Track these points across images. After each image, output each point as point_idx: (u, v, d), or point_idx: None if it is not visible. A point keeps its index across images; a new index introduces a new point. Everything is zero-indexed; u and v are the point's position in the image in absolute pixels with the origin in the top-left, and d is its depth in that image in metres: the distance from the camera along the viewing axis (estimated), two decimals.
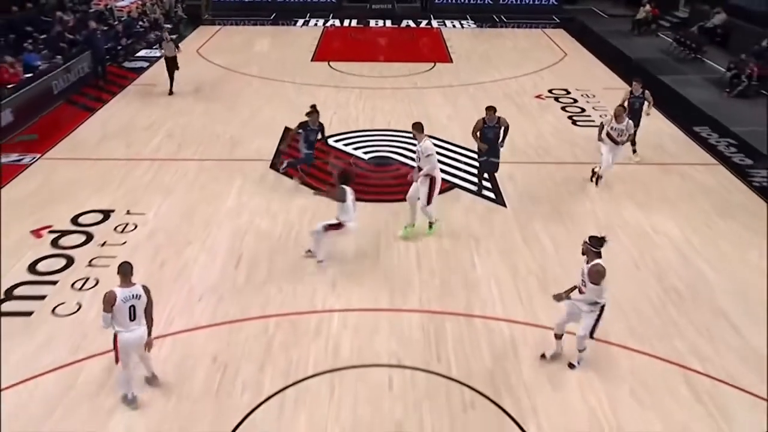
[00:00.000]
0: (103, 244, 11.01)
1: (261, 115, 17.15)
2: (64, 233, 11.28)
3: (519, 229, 11.61)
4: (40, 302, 9.51)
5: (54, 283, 9.97)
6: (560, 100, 18.70)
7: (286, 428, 7.45)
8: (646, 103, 14.09)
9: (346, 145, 15.39)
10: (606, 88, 19.60)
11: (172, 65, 18.89)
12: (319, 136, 13.29)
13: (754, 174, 13.90)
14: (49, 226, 11.46)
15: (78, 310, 9.36)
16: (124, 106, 17.99)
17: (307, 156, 13.17)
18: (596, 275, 7.70)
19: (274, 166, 13.99)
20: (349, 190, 10.22)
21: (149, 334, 7.38)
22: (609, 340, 8.81)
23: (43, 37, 20.76)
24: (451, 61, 23.17)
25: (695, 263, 10.69)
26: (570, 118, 17.32)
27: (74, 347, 8.60)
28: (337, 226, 10.25)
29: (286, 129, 13.51)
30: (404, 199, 11.56)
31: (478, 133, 12.51)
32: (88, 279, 10.06)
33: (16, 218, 11.55)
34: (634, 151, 14.33)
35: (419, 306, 9.54)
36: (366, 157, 14.81)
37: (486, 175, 13.18)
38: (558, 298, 8.13)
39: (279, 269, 10.39)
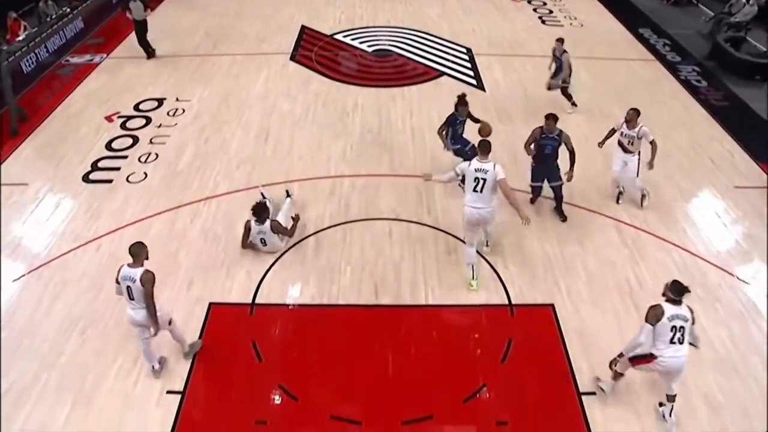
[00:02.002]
0: (159, 126, 10.92)
1: (281, 16, 16.34)
2: (130, 117, 11.16)
3: (495, 110, 11.44)
4: (117, 172, 9.59)
5: (125, 157, 10.00)
6: (532, 2, 17.75)
7: (309, 266, 7.72)
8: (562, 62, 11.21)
9: (352, 39, 14.85)
10: None
11: (141, 30, 13.48)
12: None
13: (682, 69, 13.53)
14: (118, 113, 11.33)
15: (145, 178, 9.45)
16: (169, 10, 17.05)
17: (456, 151, 9.18)
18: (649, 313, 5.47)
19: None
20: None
21: (154, 320, 5.89)
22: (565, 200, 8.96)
23: None
24: None
25: None
26: (540, 18, 16.55)
27: (145, 206, 8.77)
28: None
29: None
30: (400, 85, 11.07)
31: (532, 145, 8.42)
32: (150, 153, 10.07)
33: (94, 106, 11.39)
34: (573, 104, 11.50)
35: (413, 171, 9.59)
36: (369, 49, 14.34)
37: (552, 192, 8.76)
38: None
39: (299, 142, 10.33)
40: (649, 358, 5.53)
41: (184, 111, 11.41)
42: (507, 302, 7.21)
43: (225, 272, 7.56)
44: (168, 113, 11.35)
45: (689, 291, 5.45)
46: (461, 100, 8.95)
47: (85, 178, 9.47)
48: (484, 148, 6.97)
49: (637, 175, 8.68)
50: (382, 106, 11.57)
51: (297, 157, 9.93)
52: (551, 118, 8.15)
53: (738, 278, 7.65)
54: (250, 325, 6.93)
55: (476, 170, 6.84)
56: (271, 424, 5.87)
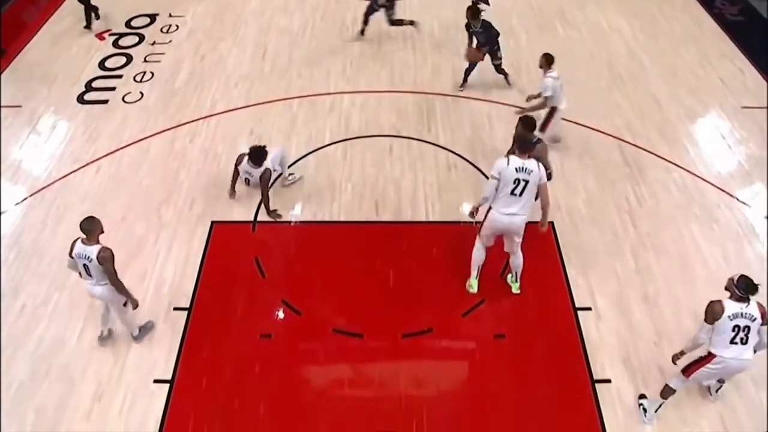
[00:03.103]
0: (153, 43, 10.57)
1: None
2: (122, 35, 10.78)
3: (499, 23, 10.78)
4: (113, 92, 9.38)
5: (120, 77, 9.75)
6: None
7: (310, 185, 7.72)
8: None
9: None
10: None
11: None
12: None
13: None
14: (109, 30, 10.93)
15: (141, 97, 9.26)
16: None
17: (471, 66, 9.14)
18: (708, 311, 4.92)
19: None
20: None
21: (126, 294, 5.54)
22: (565, 116, 8.76)
23: None
24: None
25: (638, 55, 10.30)
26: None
27: (143, 126, 8.66)
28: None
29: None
30: None
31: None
32: (145, 72, 9.82)
33: (83, 23, 10.89)
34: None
35: (414, 88, 9.42)
36: None
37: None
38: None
39: (297, 58, 10.06)
40: (706, 358, 4.97)
41: (177, 27, 11.02)
42: None
43: (226, 190, 7.56)
44: (161, 30, 10.96)
45: (757, 290, 4.78)
46: (471, 11, 8.72)
47: (80, 99, 9.29)
48: (525, 145, 5.83)
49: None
50: (381, 19, 11.16)
51: (296, 74, 9.70)
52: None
53: (738, 199, 7.66)
54: (253, 242, 7.02)
55: (517, 169, 5.66)
56: (275, 337, 6.07)
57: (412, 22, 10.35)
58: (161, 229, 7.13)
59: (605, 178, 7.87)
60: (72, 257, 5.35)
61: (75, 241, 5.31)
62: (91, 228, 5.25)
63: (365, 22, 10.38)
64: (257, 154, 6.89)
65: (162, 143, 8.36)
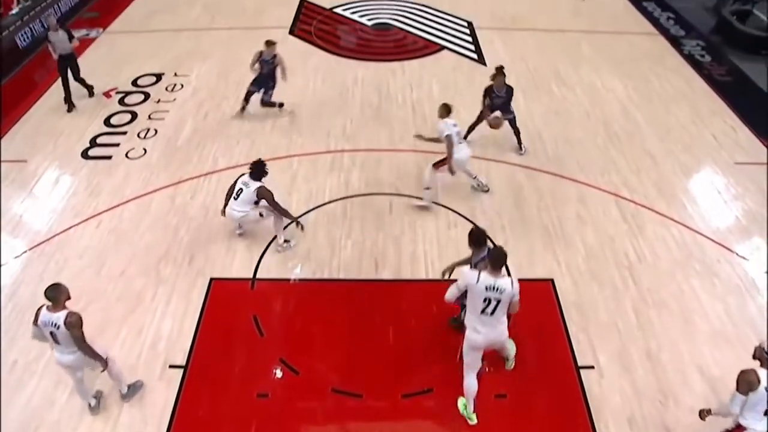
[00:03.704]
0: (158, 101, 10.84)
1: None
2: (128, 93, 11.07)
3: None
4: (116, 148, 9.55)
5: (124, 133, 9.95)
6: None
7: (309, 241, 7.74)
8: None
9: (352, 13, 14.66)
10: None
11: (67, 66, 10.42)
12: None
13: (685, 43, 13.37)
14: (116, 88, 11.22)
15: (144, 154, 9.41)
16: None
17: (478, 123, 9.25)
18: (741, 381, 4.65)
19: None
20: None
21: (96, 359, 5.35)
22: (562, 174, 8.95)
23: None
24: None
25: (633, 114, 10.57)
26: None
27: (145, 182, 8.77)
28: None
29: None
30: (400, 59, 10.88)
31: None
32: (149, 129, 10.02)
33: (91, 82, 11.15)
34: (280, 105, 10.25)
35: (413, 146, 9.57)
36: (369, 23, 14.17)
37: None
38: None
39: (299, 118, 10.28)
40: (736, 430, 4.72)
41: (182, 86, 11.33)
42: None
43: (226, 247, 7.59)
44: (166, 88, 11.26)
45: None
46: (498, 72, 8.78)
47: (84, 155, 9.44)
48: (498, 261, 5.24)
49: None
50: (382, 80, 11.49)
51: (297, 132, 9.89)
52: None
53: (737, 254, 7.68)
54: (251, 300, 6.97)
55: (488, 288, 5.13)
56: (272, 396, 5.95)
57: (281, 105, 10.32)
58: (160, 285, 7.10)
59: (604, 234, 7.91)
60: (37, 325, 5.11)
61: (40, 309, 5.10)
62: (56, 295, 5.04)
63: (246, 100, 10.29)
64: (257, 169, 7.15)
65: (163, 199, 8.44)
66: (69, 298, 5.16)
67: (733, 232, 8.06)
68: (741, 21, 13.71)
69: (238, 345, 6.44)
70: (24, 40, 12.54)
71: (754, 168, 9.29)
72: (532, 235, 7.88)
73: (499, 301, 5.15)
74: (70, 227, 7.98)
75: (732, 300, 7.03)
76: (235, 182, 7.33)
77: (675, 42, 13.47)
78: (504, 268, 5.24)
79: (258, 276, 7.24)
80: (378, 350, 6.39)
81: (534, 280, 7.21)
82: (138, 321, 6.62)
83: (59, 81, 10.66)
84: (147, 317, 6.69)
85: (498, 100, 8.89)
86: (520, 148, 9.38)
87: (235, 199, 7.24)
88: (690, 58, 12.71)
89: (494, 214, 8.20)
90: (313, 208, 8.28)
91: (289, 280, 7.24)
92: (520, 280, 6.98)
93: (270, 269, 7.34)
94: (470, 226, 7.89)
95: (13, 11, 13.04)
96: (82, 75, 10.75)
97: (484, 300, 5.15)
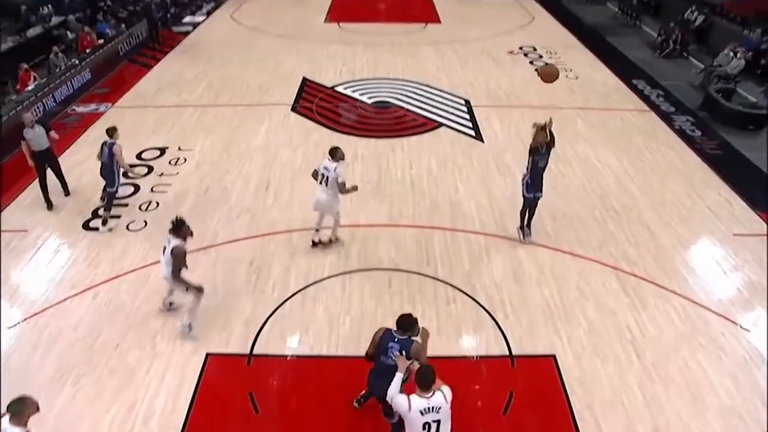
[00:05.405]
0: (161, 175, 11.06)
1: (283, 67, 16.84)
2: (132, 166, 11.25)
3: (493, 160, 11.63)
4: (117, 220, 9.64)
5: (126, 205, 10.07)
6: (528, 55, 18.30)
7: (308, 317, 7.66)
8: None
9: (353, 91, 15.19)
10: (565, 46, 19.26)
11: (46, 162, 9.87)
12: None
13: (675, 119, 13.81)
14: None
15: (145, 226, 9.51)
16: (174, 62, 17.64)
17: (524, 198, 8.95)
18: None
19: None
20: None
21: None
22: (561, 248, 8.99)
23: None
24: (439, 22, 22.49)
25: (629, 188, 10.77)
26: (536, 70, 16.94)
27: (144, 254, 8.79)
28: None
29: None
30: (400, 136, 11.14)
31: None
32: (151, 202, 10.17)
33: (97, 154, 11.47)
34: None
35: (413, 222, 9.67)
36: (369, 101, 14.64)
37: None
38: None
39: (300, 192, 10.41)
40: None
41: (185, 160, 11.58)
42: (508, 353, 7.13)
43: (223, 322, 7.51)
44: (170, 162, 11.51)
45: None
46: (542, 128, 8.42)
47: (86, 226, 9.53)
48: (425, 381, 4.76)
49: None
50: (381, 156, 11.74)
51: (297, 207, 10.00)
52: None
53: (741, 326, 7.60)
54: (248, 376, 6.84)
55: (423, 412, 4.70)
56: None
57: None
58: (155, 359, 6.99)
59: (605, 308, 7.85)
60: None
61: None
62: (20, 410, 4.61)
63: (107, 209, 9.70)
64: (178, 224, 6.87)
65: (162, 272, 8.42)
66: (38, 410, 4.73)
67: (735, 304, 8.01)
68: (726, 98, 14.22)
69: (233, 422, 6.26)
70: (36, 114, 12.87)
71: (752, 239, 9.36)
72: (533, 309, 7.82)
73: (438, 422, 4.74)
74: (66, 298, 7.94)
75: (740, 374, 6.90)
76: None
77: (666, 117, 13.90)
78: (433, 381, 4.79)
79: (255, 351, 7.13)
80: (377, 429, 6.18)
81: (535, 356, 7.09)
82: (130, 396, 6.46)
83: (65, 154, 10.76)
84: (140, 392, 6.53)
85: (543, 161, 8.58)
86: (530, 233, 9.15)
87: (163, 254, 7.04)
88: (681, 133, 13.09)
89: (494, 288, 8.17)
90: (312, 283, 8.25)
91: (286, 356, 7.12)
92: (521, 357, 7.03)
93: (267, 345, 7.24)
94: (469, 301, 7.91)
95: (29, 88, 13.58)
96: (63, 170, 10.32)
97: (424, 426, 4.72)
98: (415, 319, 5.52)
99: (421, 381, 4.76)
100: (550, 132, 8.47)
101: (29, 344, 7.19)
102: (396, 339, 5.44)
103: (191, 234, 7.08)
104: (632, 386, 6.72)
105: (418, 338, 5.47)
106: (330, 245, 8.81)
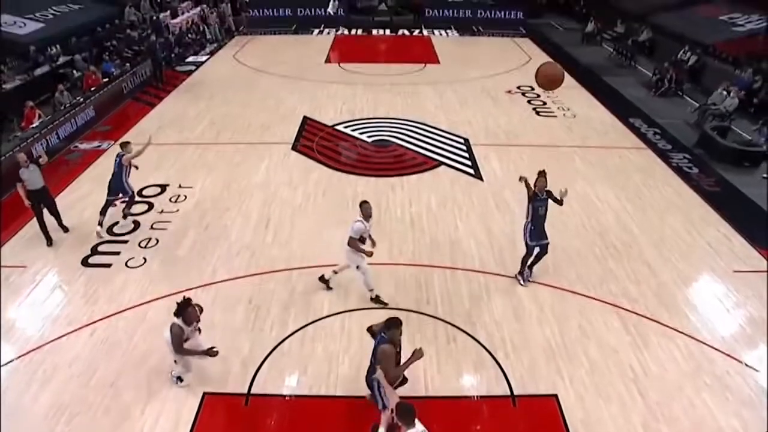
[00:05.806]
0: (161, 212, 11.09)
1: (284, 106, 17.03)
2: (133, 203, 11.33)
3: (493, 198, 11.68)
4: (117, 257, 9.62)
5: (125, 242, 10.07)
6: (526, 94, 18.57)
7: (306, 357, 7.57)
8: None
9: (353, 130, 15.34)
10: (563, 85, 19.45)
11: (41, 201, 9.93)
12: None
13: (672, 156, 13.94)
14: (121, 197, 11.50)
15: (144, 263, 9.47)
16: (177, 101, 17.87)
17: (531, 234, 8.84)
18: None
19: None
20: None
21: None
22: (562, 286, 8.94)
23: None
24: (438, 62, 22.88)
25: (628, 225, 10.79)
26: (534, 109, 17.24)
27: (143, 291, 8.74)
28: None
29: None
30: (399, 174, 11.16)
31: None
32: (150, 239, 10.16)
33: (99, 191, 11.40)
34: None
35: (412, 260, 9.64)
36: (369, 140, 14.78)
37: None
38: None
39: (299, 230, 10.43)
40: None
41: (186, 197, 11.62)
42: (509, 393, 7.02)
43: (220, 360, 7.39)
44: (170, 199, 11.55)
45: None
46: (540, 174, 8.63)
47: (84, 262, 9.50)
48: (407, 415, 5.05)
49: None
50: (381, 195, 11.77)
51: (297, 245, 9.98)
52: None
53: (746, 365, 7.50)
54: (245, 416, 6.71)
55: None
56: None
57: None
58: (150, 398, 6.87)
59: (607, 347, 7.76)
60: None
61: None
62: None
63: (102, 213, 10.32)
64: (181, 307, 6.72)
65: (160, 309, 8.35)
66: None
67: (739, 342, 7.93)
68: (722, 136, 14.38)
69: None
70: (36, 152, 13.00)
71: (752, 275, 9.32)
72: (534, 348, 7.73)
73: None
74: (63, 335, 7.85)
75: (747, 414, 6.77)
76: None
77: (663, 155, 14.03)
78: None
79: (253, 391, 7.02)
80: None
81: (537, 396, 6.98)
82: None
83: (66, 190, 10.80)
84: None
85: (542, 208, 8.68)
86: (530, 274, 9.06)
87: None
88: (678, 170, 13.18)
89: (494, 326, 8.09)
90: (311, 322, 8.18)
91: (284, 396, 7.00)
92: (523, 396, 6.92)
93: (266, 384, 7.13)
94: (469, 340, 7.83)
95: (34, 125, 13.75)
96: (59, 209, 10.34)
97: None
98: (397, 322, 6.05)
99: (404, 417, 4.89)
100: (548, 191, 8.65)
101: (23, 382, 7.08)
102: (382, 335, 6.02)
103: (197, 320, 6.88)
104: (636, 426, 6.59)
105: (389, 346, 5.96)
106: (330, 275, 8.76)
